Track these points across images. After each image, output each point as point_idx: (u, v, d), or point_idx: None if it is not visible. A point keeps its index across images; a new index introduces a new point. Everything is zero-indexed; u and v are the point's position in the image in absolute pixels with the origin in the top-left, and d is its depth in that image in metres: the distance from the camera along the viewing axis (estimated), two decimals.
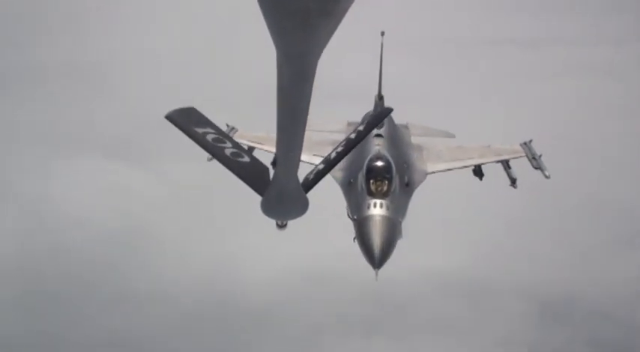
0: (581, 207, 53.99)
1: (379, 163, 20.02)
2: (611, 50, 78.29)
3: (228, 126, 25.25)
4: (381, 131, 23.29)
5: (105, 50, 78.40)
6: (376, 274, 18.30)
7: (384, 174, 19.61)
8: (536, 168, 23.63)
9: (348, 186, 20.83)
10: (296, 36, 4.51)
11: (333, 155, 12.82)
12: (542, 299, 51.14)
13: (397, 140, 23.83)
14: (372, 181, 19.49)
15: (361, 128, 13.55)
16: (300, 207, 7.56)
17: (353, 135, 13.29)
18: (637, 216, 55.75)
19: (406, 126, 26.62)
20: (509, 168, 24.18)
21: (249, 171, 9.82)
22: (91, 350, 46.67)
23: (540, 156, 24.05)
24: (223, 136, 10.57)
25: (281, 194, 7.21)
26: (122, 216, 55.62)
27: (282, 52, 4.75)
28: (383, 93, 25.39)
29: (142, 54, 76.32)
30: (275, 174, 7.08)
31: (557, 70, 75.52)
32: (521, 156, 24.26)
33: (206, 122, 10.66)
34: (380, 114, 16.57)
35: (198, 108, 10.93)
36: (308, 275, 49.87)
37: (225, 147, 10.26)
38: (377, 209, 18.92)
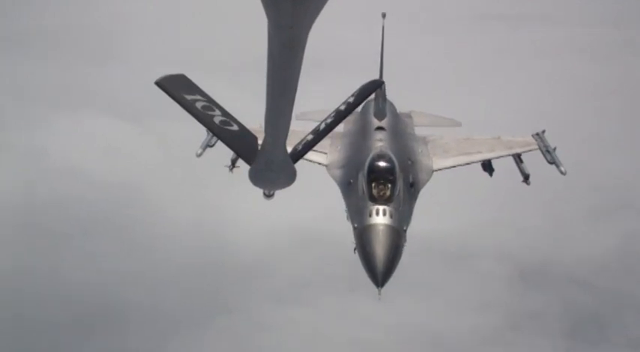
0: (562, 181, 52.71)
1: (382, 164, 17.50)
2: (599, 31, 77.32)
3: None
4: (383, 123, 21.01)
5: (112, 13, 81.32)
6: (379, 293, 16.10)
7: (387, 176, 17.14)
8: (550, 163, 21.36)
9: (347, 187, 18.41)
10: (287, 6, 4.51)
11: (322, 126, 12.15)
12: (522, 265, 51.99)
13: (400, 133, 21.50)
14: (374, 184, 17.02)
15: (351, 99, 12.80)
16: (287, 177, 7.47)
17: (343, 107, 12.62)
18: (614, 189, 56.96)
19: (409, 115, 24.26)
20: (522, 162, 21.88)
21: (238, 139, 9.73)
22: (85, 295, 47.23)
23: (555, 148, 21.80)
24: (213, 104, 10.28)
25: (269, 164, 7.16)
26: (118, 170, 57.47)
27: (273, 22, 4.73)
28: (384, 79, 22.98)
29: (148, 16, 79.30)
30: (263, 144, 6.93)
31: (546, 49, 74.66)
32: (533, 149, 22.02)
33: (196, 89, 10.47)
34: (370, 85, 14.75)
35: (190, 76, 10.68)
36: (297, 234, 50.33)
37: (214, 115, 10.07)
38: (379, 217, 16.49)
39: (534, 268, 52.30)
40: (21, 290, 47.37)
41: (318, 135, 11.89)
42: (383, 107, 22.00)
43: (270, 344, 46.27)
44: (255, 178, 7.47)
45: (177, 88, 10.71)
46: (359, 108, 23.45)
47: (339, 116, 12.43)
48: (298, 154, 10.74)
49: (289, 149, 8.39)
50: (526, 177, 21.49)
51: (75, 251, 50.57)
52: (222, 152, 22.64)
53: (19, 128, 62.59)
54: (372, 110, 21.95)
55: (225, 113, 10.10)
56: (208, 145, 21.59)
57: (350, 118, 23.25)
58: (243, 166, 22.99)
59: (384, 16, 22.83)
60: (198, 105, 10.28)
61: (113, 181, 56.40)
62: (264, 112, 6.05)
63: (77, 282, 47.98)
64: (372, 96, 22.94)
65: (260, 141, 7.26)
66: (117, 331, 46.08)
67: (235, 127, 9.83)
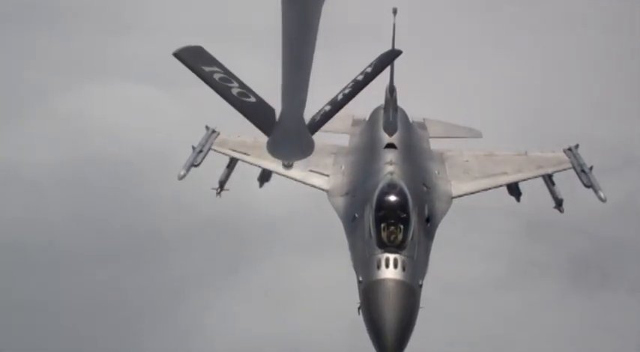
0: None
1: (392, 198, 14.03)
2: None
3: (207, 128, 20.08)
4: (394, 138, 17.59)
5: None
6: None
7: (398, 215, 13.73)
8: (587, 187, 17.96)
9: (351, 224, 14.90)
10: None
11: (340, 97, 11.48)
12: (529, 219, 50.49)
13: (414, 150, 18.06)
14: (383, 226, 13.61)
15: (369, 70, 12.06)
16: (305, 147, 7.42)
17: (360, 77, 11.89)
18: (619, 150, 54.73)
19: (423, 126, 20.78)
20: (553, 184, 18.58)
21: (255, 111, 9.61)
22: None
23: (591, 168, 18.41)
24: (230, 76, 10.23)
25: (287, 134, 7.12)
26: (149, 134, 58.08)
27: None
28: (396, 85, 19.66)
29: None
30: (281, 115, 6.82)
31: (556, 24, 71.52)
32: (566, 169, 18.72)
33: (213, 61, 10.45)
34: (388, 55, 13.00)
35: (207, 48, 10.65)
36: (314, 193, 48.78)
37: (232, 87, 10.02)
38: (390, 269, 13.04)
39: (540, 223, 49.64)
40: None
41: (336, 105, 11.27)
42: (394, 119, 18.59)
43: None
44: (274, 149, 7.43)
45: (194, 59, 10.59)
46: (367, 118, 20.29)
47: (357, 86, 11.74)
48: (316, 125, 10.38)
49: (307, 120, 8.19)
50: (559, 203, 18.20)
51: (111, 204, 51.57)
52: (213, 163, 19.71)
53: (53, 96, 64.16)
54: (381, 122, 18.55)
55: (242, 85, 9.93)
56: (193, 165, 18.44)
57: (356, 130, 20.04)
58: (232, 189, 19.81)
59: (394, 12, 19.27)
60: (216, 76, 10.20)
61: (145, 142, 56.92)
62: (281, 84, 5.99)
63: (113, 233, 48.77)
64: (382, 104, 19.81)
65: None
66: (144, 280, 45.63)
67: (253, 99, 9.67)
